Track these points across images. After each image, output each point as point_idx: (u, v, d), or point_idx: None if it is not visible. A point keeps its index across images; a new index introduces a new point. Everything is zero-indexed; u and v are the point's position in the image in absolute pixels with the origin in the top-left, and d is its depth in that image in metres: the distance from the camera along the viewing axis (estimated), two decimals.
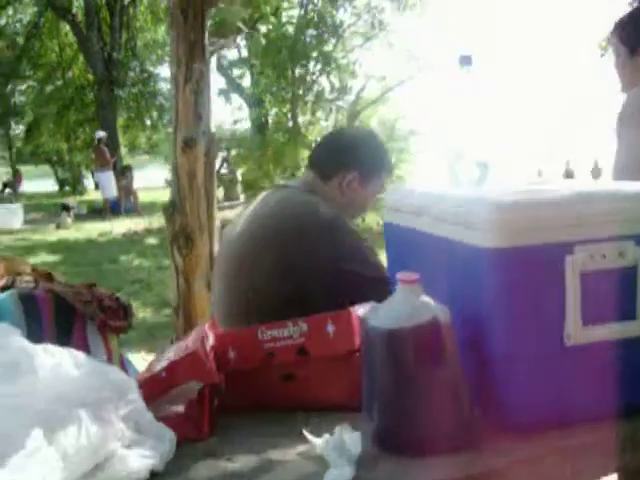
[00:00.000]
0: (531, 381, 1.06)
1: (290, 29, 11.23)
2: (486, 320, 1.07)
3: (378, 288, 1.72)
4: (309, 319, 1.28)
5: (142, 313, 6.66)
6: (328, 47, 11.12)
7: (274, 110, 12.71)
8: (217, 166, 17.40)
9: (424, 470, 0.99)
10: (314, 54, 10.69)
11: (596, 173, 26.86)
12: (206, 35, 3.42)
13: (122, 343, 1.53)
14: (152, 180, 25.68)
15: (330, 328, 1.26)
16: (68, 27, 21.31)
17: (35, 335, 1.22)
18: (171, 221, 3.45)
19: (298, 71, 11.08)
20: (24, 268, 1.52)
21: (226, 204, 16.61)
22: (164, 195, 19.06)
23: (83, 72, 23.24)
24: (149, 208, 16.61)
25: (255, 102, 13.13)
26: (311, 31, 10.58)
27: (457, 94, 1.52)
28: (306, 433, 1.08)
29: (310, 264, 1.83)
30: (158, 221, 13.45)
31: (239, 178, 17.39)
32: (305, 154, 12.08)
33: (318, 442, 1.05)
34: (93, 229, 12.75)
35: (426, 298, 1.06)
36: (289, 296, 1.81)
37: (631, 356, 1.09)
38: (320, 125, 12.31)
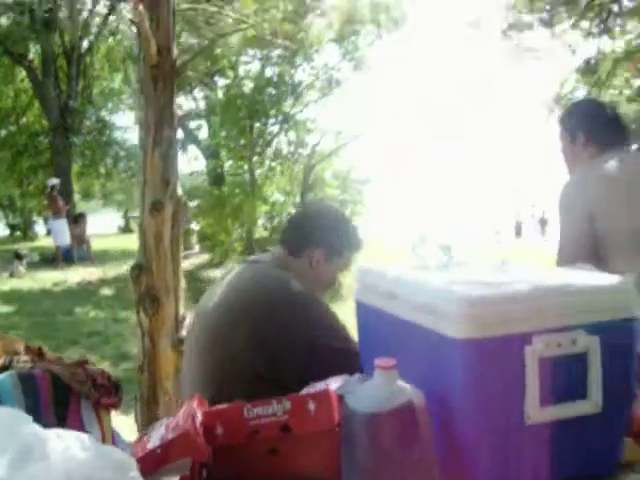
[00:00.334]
0: (495, 457, 1.18)
1: (248, 83, 11.50)
2: (455, 403, 1.19)
3: (349, 361, 1.84)
4: (292, 397, 1.39)
5: (100, 367, 6.63)
6: (286, 104, 11.39)
7: (229, 162, 12.87)
8: None
9: None
10: (273, 112, 10.94)
11: (543, 223, 27.92)
12: (174, 103, 3.54)
13: None
14: (105, 227, 25.53)
15: (311, 406, 1.36)
16: (24, 73, 21.28)
17: (33, 414, 1.29)
18: (137, 282, 3.52)
19: (257, 126, 11.30)
20: (18, 346, 1.59)
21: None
22: (116, 242, 18.95)
23: (38, 118, 23.15)
24: (102, 256, 16.50)
25: (211, 154, 13.29)
26: (270, 89, 10.85)
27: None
28: None
29: (282, 338, 1.93)
30: (113, 271, 13.40)
31: (194, 228, 17.45)
32: (262, 209, 12.27)
33: None
34: (47, 278, 12.61)
35: (402, 383, 1.18)
36: (261, 370, 1.91)
37: (584, 431, 1.22)
38: (277, 180, 12.53)
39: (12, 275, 13.24)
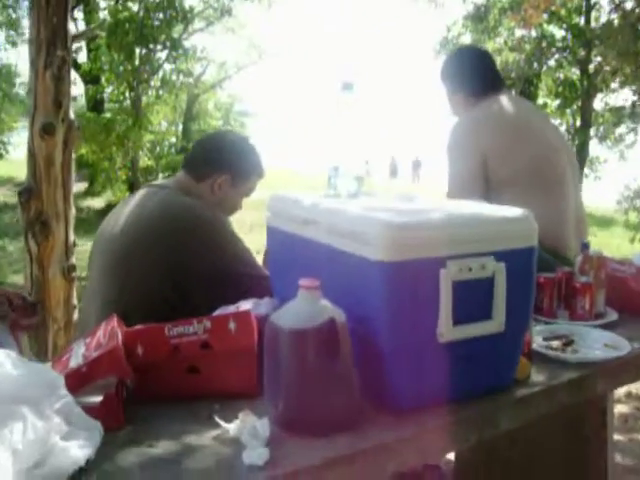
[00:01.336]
0: (410, 371, 1.27)
1: (133, 6, 11.03)
2: (374, 321, 1.27)
3: (259, 284, 1.90)
4: (213, 317, 1.43)
5: None
6: (175, 30, 11.02)
7: (110, 89, 12.40)
8: None
9: (323, 447, 1.17)
10: (161, 38, 10.57)
11: (416, 165, 28.87)
12: (68, 21, 3.39)
13: None
14: None
15: (232, 325, 1.41)
16: None
17: None
18: (26, 207, 3.40)
19: (144, 52, 10.89)
20: None
21: None
22: None
23: None
24: None
25: (91, 79, 12.77)
26: (159, 14, 10.43)
27: (339, 116, 1.71)
28: (218, 419, 1.23)
29: (188, 264, 1.95)
30: None
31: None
32: (147, 137, 11.95)
33: (230, 427, 1.21)
34: None
35: (324, 302, 1.24)
36: (168, 295, 1.93)
37: (489, 348, 1.33)
38: (163, 108, 12.21)
39: None
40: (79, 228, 9.76)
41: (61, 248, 3.47)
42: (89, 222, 10.37)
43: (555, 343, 1.71)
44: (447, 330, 1.26)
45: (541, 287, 1.93)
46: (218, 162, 2.19)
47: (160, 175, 11.53)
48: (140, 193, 2.17)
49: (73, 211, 3.55)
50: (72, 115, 3.44)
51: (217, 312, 1.64)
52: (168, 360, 1.40)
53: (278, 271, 1.73)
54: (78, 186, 14.76)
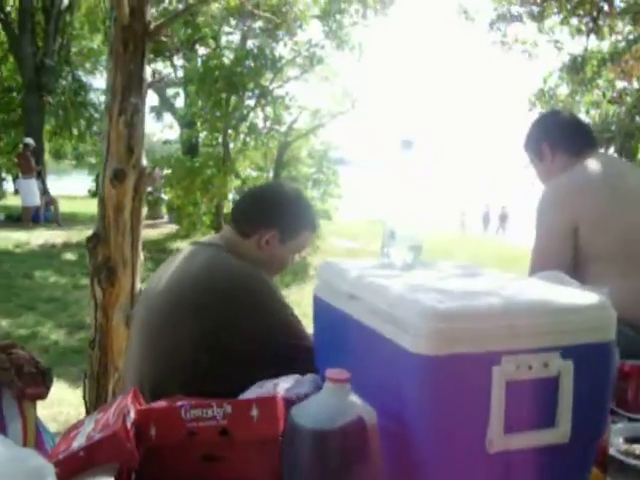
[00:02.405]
0: None
1: (228, 54, 11.23)
2: (411, 423, 1.08)
3: (302, 358, 1.73)
4: (234, 402, 1.28)
5: (55, 335, 6.47)
6: (265, 79, 11.15)
7: (204, 133, 12.64)
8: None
9: None
10: (250, 85, 10.68)
11: (503, 217, 28.49)
12: (145, 68, 3.38)
13: None
14: (75, 189, 25.12)
15: (255, 412, 1.25)
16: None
17: None
18: (94, 253, 3.37)
19: (233, 99, 11.05)
20: None
21: (149, 222, 16.40)
22: (85, 205, 18.65)
23: (11, 74, 22.60)
24: (70, 219, 16.25)
25: (187, 124, 13.07)
26: (249, 62, 10.58)
27: (397, 177, 1.55)
28: None
29: (228, 330, 1.81)
30: (78, 235, 13.17)
31: (164, 198, 17.26)
32: (234, 184, 12.08)
33: None
34: (9, 238, 12.32)
35: (353, 397, 1.07)
36: (204, 362, 1.80)
37: (551, 460, 1.12)
38: (251, 155, 12.33)
39: None
40: None
41: (126, 295, 3.42)
42: None
43: (639, 448, 1.47)
44: (498, 438, 1.06)
45: (626, 376, 1.69)
46: (265, 217, 2.06)
47: None
48: (187, 250, 2.07)
49: (141, 258, 3.50)
50: (144, 162, 3.41)
51: (252, 389, 1.50)
52: (183, 445, 1.25)
53: (322, 345, 1.57)
54: (169, 227, 15.08)
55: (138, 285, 3.51)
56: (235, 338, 1.80)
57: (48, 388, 1.38)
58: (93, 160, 27.71)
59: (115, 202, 3.35)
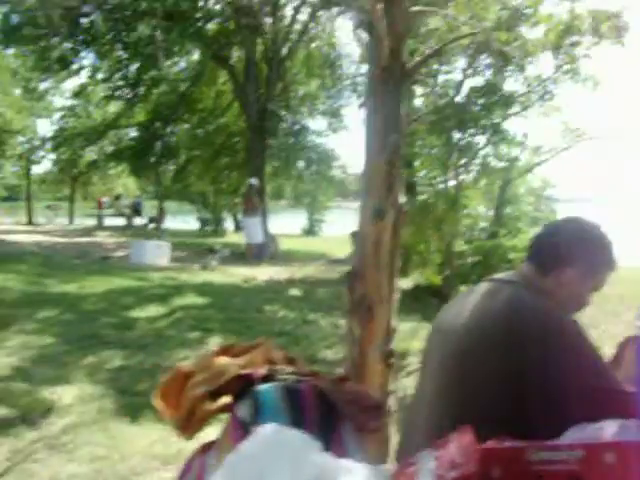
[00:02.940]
0: None
1: (449, 92, 11.25)
2: None
3: (619, 402, 1.60)
4: (585, 445, 1.18)
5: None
6: (496, 115, 11.00)
7: (424, 172, 12.70)
8: None
9: None
10: (482, 122, 10.59)
11: None
12: (401, 107, 3.42)
13: None
14: (289, 227, 26.26)
15: (610, 457, 1.14)
16: (225, 75, 22.33)
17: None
18: (351, 289, 3.42)
19: (459, 137, 10.98)
20: (277, 355, 1.51)
21: None
22: (300, 243, 19.32)
23: (235, 119, 24.17)
24: (287, 256, 16.97)
25: (405, 163, 13.21)
26: (480, 99, 10.50)
27: None
28: None
29: (535, 373, 1.72)
30: (299, 272, 13.69)
31: None
32: (465, 222, 11.98)
33: None
34: (236, 274, 13.05)
35: None
36: (502, 404, 1.72)
37: None
38: (476, 192, 12.17)
39: (204, 268, 13.86)
40: None
41: (382, 332, 3.43)
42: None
43: None
44: None
45: None
46: (567, 254, 1.96)
47: (469, 259, 11.38)
48: (483, 287, 2.01)
49: (396, 295, 3.51)
50: (401, 199, 3.43)
51: (571, 431, 1.40)
52: None
53: None
54: None
55: (393, 322, 3.51)
56: (545, 379, 1.71)
57: (383, 422, 1.37)
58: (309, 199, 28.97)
59: (374, 240, 3.38)
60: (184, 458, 4.07)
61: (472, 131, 10.81)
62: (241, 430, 1.28)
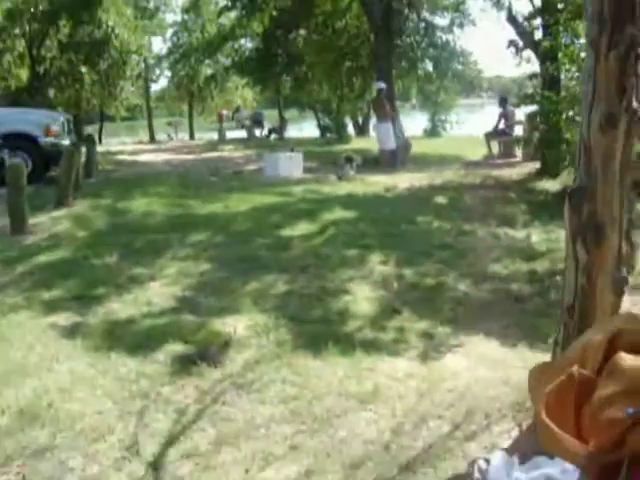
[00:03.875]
0: None
1: None
2: None
3: None
4: None
5: (462, 285, 6.31)
6: None
7: (566, 66, 11.67)
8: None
9: None
10: None
11: None
12: None
13: None
14: (410, 129, 25.35)
15: None
16: None
17: None
18: (577, 209, 2.99)
19: None
20: None
21: (500, 161, 15.92)
22: (424, 145, 18.65)
23: (356, 21, 23.18)
24: (419, 160, 16.40)
25: (548, 57, 12.27)
26: None
27: None
28: None
29: None
30: (438, 177, 13.16)
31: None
32: None
33: None
34: (376, 183, 12.62)
35: None
36: None
37: None
38: None
39: (340, 178, 13.50)
40: (539, 212, 9.31)
41: (613, 257, 3.00)
42: (547, 206, 9.85)
43: None
44: None
45: None
46: None
47: None
48: None
49: (631, 215, 3.06)
50: (636, 104, 2.92)
51: None
52: None
53: None
54: (526, 166, 14.42)
55: (624, 246, 3.07)
56: None
57: None
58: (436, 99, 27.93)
59: (603, 150, 2.91)
60: (382, 397, 3.86)
61: None
62: None
